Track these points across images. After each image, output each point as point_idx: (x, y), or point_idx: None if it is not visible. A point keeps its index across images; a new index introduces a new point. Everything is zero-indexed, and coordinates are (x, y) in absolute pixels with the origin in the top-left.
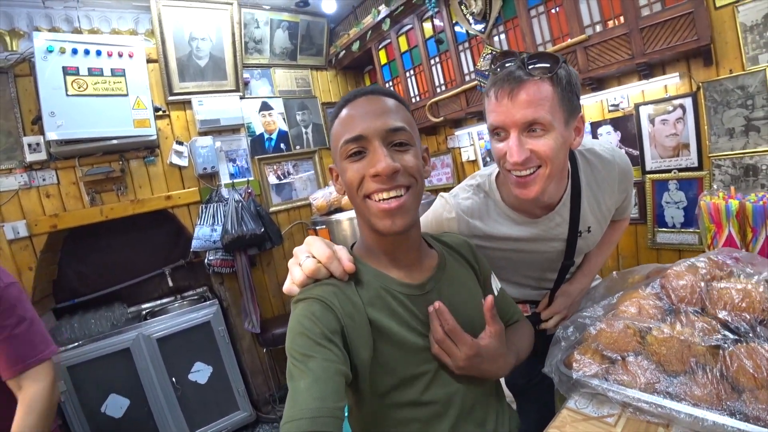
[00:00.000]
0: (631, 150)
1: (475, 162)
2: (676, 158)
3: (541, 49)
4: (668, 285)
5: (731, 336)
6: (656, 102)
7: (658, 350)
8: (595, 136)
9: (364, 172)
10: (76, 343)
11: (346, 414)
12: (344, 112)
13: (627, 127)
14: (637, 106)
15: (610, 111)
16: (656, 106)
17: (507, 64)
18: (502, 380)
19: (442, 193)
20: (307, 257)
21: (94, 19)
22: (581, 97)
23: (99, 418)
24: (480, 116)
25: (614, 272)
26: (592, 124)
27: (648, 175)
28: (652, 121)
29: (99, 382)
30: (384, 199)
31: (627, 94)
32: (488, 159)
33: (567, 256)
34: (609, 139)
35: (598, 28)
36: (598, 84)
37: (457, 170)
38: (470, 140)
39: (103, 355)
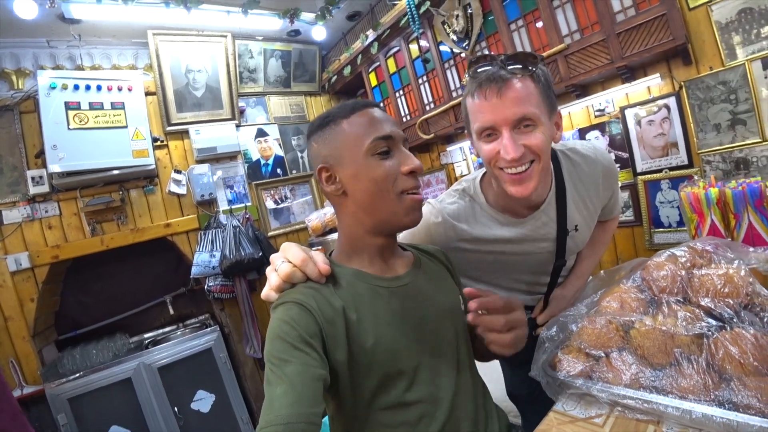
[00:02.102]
0: (620, 153)
1: None
2: (666, 158)
3: None
4: (649, 277)
5: (715, 323)
6: (641, 104)
7: (641, 344)
8: None
9: (398, 168)
10: (78, 374)
11: (327, 422)
12: (361, 114)
13: (614, 130)
14: (622, 110)
15: (596, 116)
16: (641, 107)
17: (486, 67)
18: (503, 392)
19: (429, 200)
20: (282, 262)
21: (95, 56)
22: (568, 104)
23: None
24: None
25: (602, 271)
26: (579, 130)
27: (640, 177)
28: (638, 123)
29: (100, 414)
30: (416, 193)
31: (612, 98)
32: None
33: (558, 256)
34: (598, 144)
35: (577, 36)
36: (582, 90)
37: (449, 186)
38: (462, 155)
39: (104, 385)
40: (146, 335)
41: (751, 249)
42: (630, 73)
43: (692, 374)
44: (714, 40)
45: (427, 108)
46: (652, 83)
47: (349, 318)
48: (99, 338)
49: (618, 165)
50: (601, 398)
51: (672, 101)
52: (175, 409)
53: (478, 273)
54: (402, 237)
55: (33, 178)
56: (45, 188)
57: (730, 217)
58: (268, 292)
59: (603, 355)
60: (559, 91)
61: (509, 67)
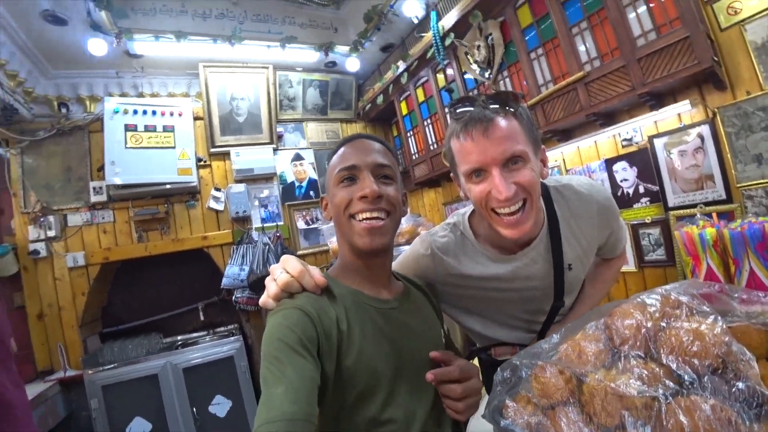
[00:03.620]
0: (649, 186)
1: None
2: (701, 191)
3: (543, 89)
4: (612, 325)
5: (673, 386)
6: (671, 133)
7: (588, 400)
8: (610, 173)
9: (353, 195)
10: (113, 365)
11: None
12: (342, 149)
13: (643, 161)
14: (651, 139)
15: (623, 146)
16: (671, 137)
17: (468, 107)
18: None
19: (422, 233)
20: (281, 272)
21: (154, 85)
22: (591, 134)
23: None
24: None
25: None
26: (606, 161)
27: (671, 212)
28: (669, 154)
29: (127, 404)
30: (367, 219)
31: (640, 127)
32: None
33: (556, 297)
34: (625, 175)
35: (597, 63)
36: (607, 119)
37: None
38: None
39: (133, 378)
40: (178, 337)
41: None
42: (656, 100)
43: None
44: (750, 62)
45: None
46: (683, 110)
47: (341, 329)
48: (136, 335)
49: (647, 199)
50: None
51: (705, 129)
52: (194, 409)
53: (471, 305)
54: (394, 265)
55: (94, 189)
56: (103, 198)
57: (729, 261)
58: (265, 299)
59: (550, 407)
60: (580, 120)
61: (491, 107)
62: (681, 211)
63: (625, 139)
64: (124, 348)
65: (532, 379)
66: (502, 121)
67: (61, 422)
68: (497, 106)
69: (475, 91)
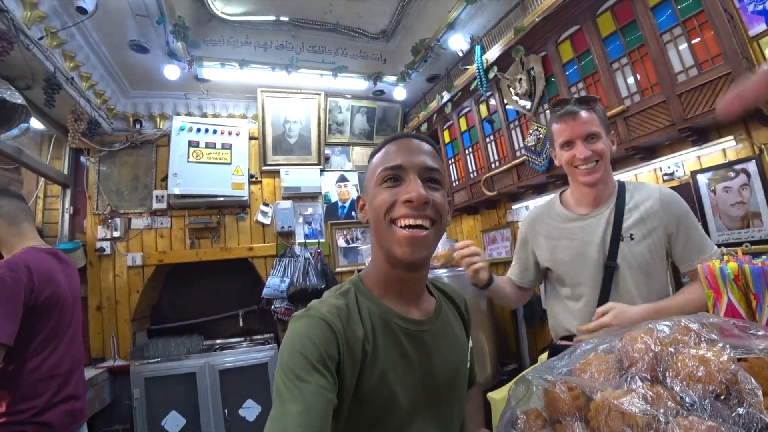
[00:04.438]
0: None
1: None
2: (747, 229)
3: None
4: (623, 348)
5: (675, 407)
6: (715, 168)
7: (594, 416)
8: None
9: (396, 197)
10: (157, 359)
11: None
12: (388, 147)
13: (685, 197)
14: (693, 174)
15: (664, 181)
16: (715, 172)
17: (565, 105)
18: None
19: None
20: None
21: (217, 106)
22: (631, 168)
23: (158, 431)
24: (533, 189)
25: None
26: None
27: None
28: (713, 190)
29: (165, 398)
30: (410, 227)
31: (682, 162)
32: None
33: (610, 256)
34: None
35: (637, 98)
36: (647, 153)
37: (514, 244)
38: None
39: (173, 374)
40: (218, 341)
41: None
42: (698, 135)
43: None
44: None
45: (493, 166)
46: (727, 146)
47: (365, 350)
48: (180, 334)
49: None
50: None
51: (752, 166)
52: (226, 411)
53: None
54: None
55: (157, 197)
56: (163, 205)
57: (750, 297)
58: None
59: (557, 420)
60: (620, 154)
61: (578, 105)
62: (725, 249)
63: (666, 174)
64: (167, 345)
65: (543, 394)
66: (584, 113)
67: (106, 407)
68: (581, 104)
69: (517, 122)
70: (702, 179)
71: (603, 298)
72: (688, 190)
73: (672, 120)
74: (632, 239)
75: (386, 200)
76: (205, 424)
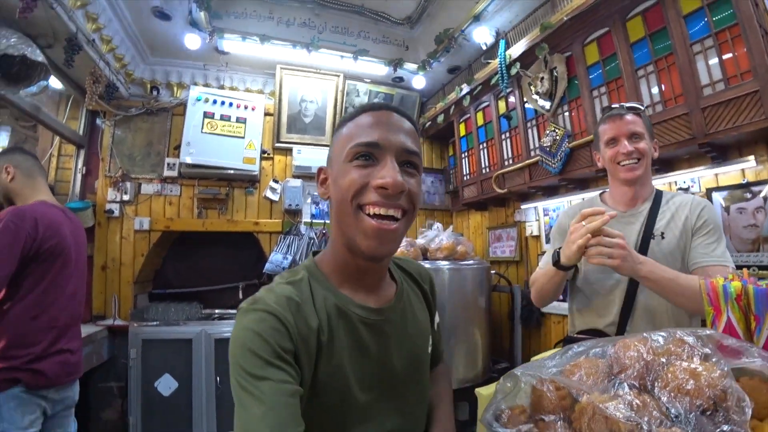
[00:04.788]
0: None
1: (538, 237)
2: (756, 253)
3: None
4: (615, 354)
5: (659, 417)
6: (732, 188)
7: (577, 417)
8: None
9: (368, 180)
10: (155, 323)
11: None
12: (364, 117)
13: None
14: (709, 191)
15: None
16: (732, 192)
17: (613, 107)
18: None
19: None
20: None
21: (234, 80)
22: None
23: (151, 391)
24: (544, 191)
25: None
26: None
27: None
28: (726, 210)
29: (160, 360)
30: (379, 216)
31: (698, 178)
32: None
33: (641, 252)
34: None
35: (659, 108)
36: (664, 165)
37: (520, 244)
38: (536, 215)
39: (171, 338)
40: (216, 310)
41: None
42: (718, 152)
43: None
44: None
45: (506, 163)
46: (747, 166)
47: (320, 339)
48: (180, 301)
49: None
50: None
51: None
52: (218, 379)
53: None
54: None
55: (168, 164)
56: (174, 173)
57: (751, 318)
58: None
59: (540, 418)
60: None
61: (626, 109)
62: (732, 268)
63: (681, 188)
64: (167, 310)
65: (531, 391)
66: (629, 116)
67: (103, 363)
68: (629, 109)
69: (534, 121)
70: (717, 197)
71: (629, 296)
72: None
73: (692, 134)
74: (663, 238)
75: (355, 182)
76: (197, 390)
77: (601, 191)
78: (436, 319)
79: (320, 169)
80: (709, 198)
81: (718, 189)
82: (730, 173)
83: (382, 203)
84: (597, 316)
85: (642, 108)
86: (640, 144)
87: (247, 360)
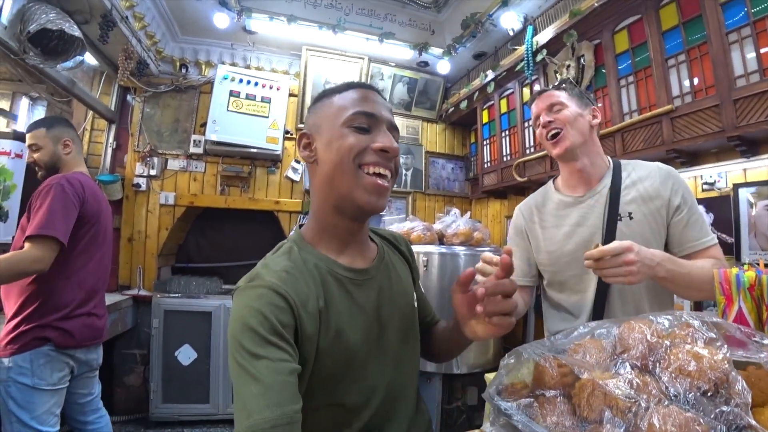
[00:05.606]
0: (724, 236)
1: None
2: None
3: (626, 118)
4: (620, 334)
5: (658, 396)
6: (760, 184)
7: (577, 392)
8: None
9: (368, 144)
10: (178, 295)
11: None
12: (353, 92)
13: (723, 210)
14: (735, 187)
15: (703, 190)
16: (760, 188)
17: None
18: None
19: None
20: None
21: (261, 60)
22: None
23: (171, 360)
24: None
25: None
26: None
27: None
28: (752, 206)
29: (181, 330)
30: (379, 174)
31: (725, 173)
32: None
33: (607, 238)
34: None
35: (688, 98)
36: (690, 159)
37: None
38: None
39: (192, 311)
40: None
41: None
42: (748, 146)
43: None
44: None
45: (527, 152)
46: None
47: (319, 305)
48: (201, 275)
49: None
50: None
51: None
52: None
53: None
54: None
55: (194, 141)
56: (200, 150)
57: (763, 308)
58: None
59: (543, 393)
60: (660, 155)
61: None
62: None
63: (706, 183)
64: (188, 283)
65: (533, 367)
66: (551, 90)
67: (127, 330)
68: (552, 87)
69: None
70: (744, 193)
71: (602, 287)
72: (726, 203)
73: (722, 126)
74: (631, 218)
75: (356, 144)
76: (214, 362)
77: (553, 177)
78: (419, 278)
79: (302, 134)
80: (736, 194)
81: (746, 185)
82: (760, 169)
83: (382, 164)
84: (573, 316)
85: (567, 81)
86: (560, 113)
87: (246, 336)
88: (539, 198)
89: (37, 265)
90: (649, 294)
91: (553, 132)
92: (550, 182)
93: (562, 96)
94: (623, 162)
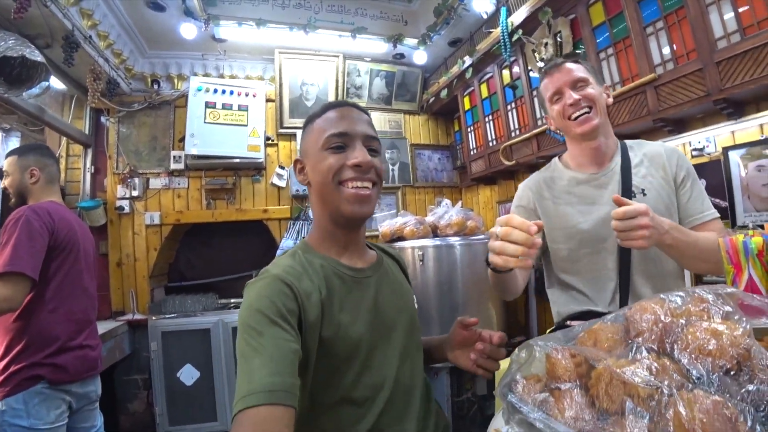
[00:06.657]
0: (718, 201)
1: None
2: None
3: (610, 91)
4: (631, 317)
5: (680, 381)
6: (749, 145)
7: (594, 383)
8: None
9: (344, 162)
10: (174, 315)
11: None
12: (330, 113)
13: (714, 174)
14: (725, 150)
15: (693, 156)
16: (750, 149)
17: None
18: None
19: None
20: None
21: (234, 67)
22: (658, 140)
23: (174, 382)
24: None
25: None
26: None
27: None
28: (744, 167)
29: (181, 351)
30: (357, 187)
31: (714, 137)
32: None
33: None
34: None
35: (670, 65)
36: (676, 126)
37: None
38: None
39: (190, 329)
40: (231, 300)
41: None
42: (734, 108)
43: (633, 430)
44: None
45: (513, 135)
46: (766, 121)
47: (322, 300)
48: (196, 292)
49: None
50: (541, 430)
51: None
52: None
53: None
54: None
55: (174, 157)
56: (181, 166)
57: None
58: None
59: (558, 387)
60: (647, 125)
61: (563, 58)
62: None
63: (695, 149)
64: (183, 302)
65: (545, 360)
66: (569, 64)
67: (125, 357)
68: (566, 57)
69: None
70: (734, 156)
71: (624, 262)
72: (717, 167)
73: (707, 90)
74: (644, 194)
75: (333, 164)
76: (218, 378)
77: (558, 154)
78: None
79: (296, 161)
80: (726, 158)
81: (735, 147)
82: (748, 130)
83: (359, 177)
84: (588, 297)
85: (579, 55)
86: (586, 90)
87: (253, 317)
88: (547, 174)
89: (6, 304)
90: (673, 274)
91: (583, 111)
92: (556, 159)
93: (582, 71)
94: (628, 141)
